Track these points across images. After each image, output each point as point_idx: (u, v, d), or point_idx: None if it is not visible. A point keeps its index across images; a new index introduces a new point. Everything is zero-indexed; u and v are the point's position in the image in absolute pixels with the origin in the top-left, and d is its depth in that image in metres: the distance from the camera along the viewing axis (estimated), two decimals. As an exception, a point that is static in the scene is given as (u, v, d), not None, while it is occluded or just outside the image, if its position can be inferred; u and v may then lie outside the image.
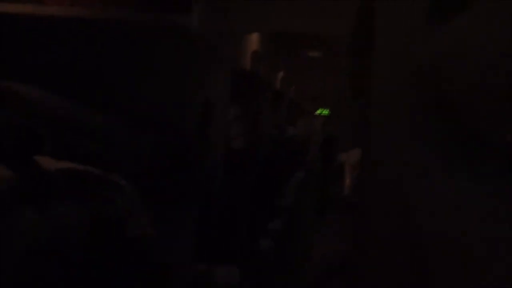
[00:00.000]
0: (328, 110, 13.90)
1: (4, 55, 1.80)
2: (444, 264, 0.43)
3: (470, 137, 0.42)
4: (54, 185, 0.95)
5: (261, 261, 3.52)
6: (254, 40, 6.83)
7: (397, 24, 0.50)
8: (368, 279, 0.54)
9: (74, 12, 1.98)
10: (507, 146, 0.40)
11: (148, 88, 1.94)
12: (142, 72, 1.95)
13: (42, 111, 1.26)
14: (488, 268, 0.41)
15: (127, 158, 1.49)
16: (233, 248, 2.96)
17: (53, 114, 1.29)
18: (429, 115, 0.45)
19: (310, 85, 11.90)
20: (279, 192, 5.13)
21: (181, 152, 1.90)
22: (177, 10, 2.10)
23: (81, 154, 1.21)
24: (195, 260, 2.25)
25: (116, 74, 1.93)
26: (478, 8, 0.40)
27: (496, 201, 0.41)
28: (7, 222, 0.82)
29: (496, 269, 0.41)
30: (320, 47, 8.96)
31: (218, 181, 2.72)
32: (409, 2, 0.48)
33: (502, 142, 0.40)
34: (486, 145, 0.41)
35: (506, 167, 0.40)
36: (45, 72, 1.83)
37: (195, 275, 2.28)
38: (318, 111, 14.26)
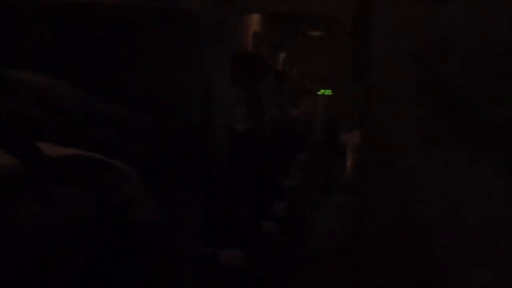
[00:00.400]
0: (330, 91, 13.85)
1: (4, 43, 1.80)
2: (443, 242, 0.43)
3: (466, 115, 0.42)
4: (58, 172, 0.95)
5: (264, 243, 3.55)
6: (255, 21, 6.77)
7: (397, 4, 0.49)
8: (369, 258, 0.55)
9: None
10: (501, 122, 0.40)
11: (150, 72, 1.93)
12: (143, 56, 1.95)
13: (46, 97, 1.26)
14: (486, 246, 0.42)
15: (130, 143, 1.49)
16: (237, 230, 2.98)
17: (57, 101, 1.29)
18: (428, 95, 0.45)
19: (312, 65, 11.83)
20: (283, 173, 5.13)
21: (184, 135, 1.90)
22: (177, -8, 2.08)
23: (85, 141, 1.21)
24: (200, 243, 2.26)
25: (117, 59, 1.92)
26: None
27: (492, 179, 0.41)
28: (11, 209, 0.83)
29: (493, 247, 0.42)
30: (321, 27, 8.89)
31: (222, 164, 2.73)
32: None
33: (497, 118, 0.40)
34: (482, 122, 0.41)
35: (500, 143, 0.40)
36: (45, 59, 1.82)
37: (200, 258, 2.30)
38: (321, 92, 14.21)
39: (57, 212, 0.88)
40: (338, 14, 4.10)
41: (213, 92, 2.37)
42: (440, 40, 0.43)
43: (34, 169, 0.91)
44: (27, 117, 1.14)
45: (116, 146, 1.36)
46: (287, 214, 4.57)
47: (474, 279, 0.41)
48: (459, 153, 0.43)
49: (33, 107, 1.19)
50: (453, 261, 0.42)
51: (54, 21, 1.88)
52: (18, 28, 1.83)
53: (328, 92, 14.00)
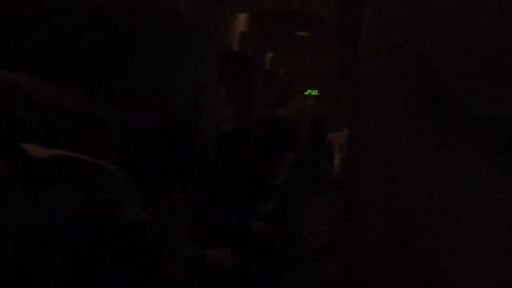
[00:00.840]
0: (317, 91, 13.91)
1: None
2: (432, 236, 0.43)
3: (456, 111, 0.42)
4: (44, 173, 0.94)
5: (253, 242, 3.55)
6: (242, 21, 6.77)
7: (383, 2, 0.49)
8: (356, 256, 0.55)
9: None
10: (493, 118, 0.40)
11: (136, 71, 1.92)
12: (129, 55, 1.94)
13: (30, 97, 1.25)
14: (475, 237, 0.42)
15: (117, 143, 1.48)
16: (226, 231, 2.98)
17: (42, 101, 1.28)
18: (416, 92, 0.46)
19: (299, 65, 11.86)
20: (271, 172, 5.14)
21: (172, 135, 1.89)
22: (163, -8, 2.07)
23: (71, 141, 1.20)
24: (188, 244, 2.26)
25: (102, 59, 1.91)
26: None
27: (483, 176, 0.42)
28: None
29: (482, 239, 0.42)
30: (308, 27, 8.92)
31: (209, 164, 2.72)
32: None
33: (488, 113, 0.40)
34: (473, 117, 0.41)
35: (492, 139, 0.40)
36: (30, 58, 1.81)
37: (188, 258, 2.29)
38: (307, 92, 14.26)
39: (43, 213, 0.87)
40: (325, 14, 4.12)
41: (201, 92, 2.36)
42: (428, 32, 0.43)
43: (18, 170, 0.90)
44: (11, 118, 1.13)
45: (103, 146, 1.35)
46: (275, 214, 4.57)
47: (464, 277, 0.41)
48: (448, 150, 0.43)
49: (17, 107, 1.17)
50: (441, 259, 0.43)
51: (36, 21, 1.86)
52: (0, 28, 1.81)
53: (314, 92, 14.06)
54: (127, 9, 1.95)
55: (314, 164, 7.36)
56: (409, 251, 0.45)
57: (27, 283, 0.81)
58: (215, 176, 2.88)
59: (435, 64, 0.42)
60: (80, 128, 1.34)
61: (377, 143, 0.51)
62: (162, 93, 1.93)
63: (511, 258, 0.40)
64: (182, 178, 2.02)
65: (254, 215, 3.95)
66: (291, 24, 8.76)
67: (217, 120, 3.28)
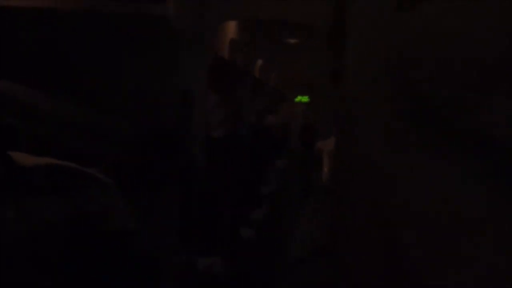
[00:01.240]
0: (307, 98, 13.95)
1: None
2: (420, 241, 0.44)
3: (439, 122, 0.43)
4: (32, 181, 0.94)
5: (243, 250, 3.55)
6: (231, 29, 6.79)
7: (370, 10, 0.50)
8: (345, 261, 0.55)
9: (51, 3, 1.95)
10: (476, 129, 0.41)
11: (126, 78, 1.92)
12: (119, 62, 1.94)
13: (19, 105, 1.24)
14: (459, 244, 0.43)
15: (106, 151, 1.48)
16: (216, 238, 2.97)
17: (31, 108, 1.28)
18: (401, 102, 0.46)
19: (289, 72, 11.90)
20: (261, 180, 5.14)
21: (162, 142, 1.89)
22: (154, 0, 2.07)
23: (60, 149, 1.20)
24: (179, 251, 2.25)
25: (93, 65, 1.91)
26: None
27: (466, 183, 0.42)
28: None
29: (465, 246, 0.43)
30: (298, 34, 8.96)
31: (200, 171, 2.72)
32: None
33: (472, 125, 0.41)
34: (456, 129, 0.42)
35: (475, 149, 0.41)
36: (16, 65, 1.80)
37: (179, 265, 2.28)
38: (298, 99, 14.30)
39: (32, 221, 0.87)
40: (314, 22, 4.15)
41: (191, 99, 2.37)
42: (409, 47, 0.44)
43: (6, 179, 0.90)
44: None
45: (91, 153, 1.35)
46: (266, 221, 4.57)
47: (448, 279, 0.42)
48: (433, 158, 0.44)
49: (5, 115, 1.17)
50: (428, 263, 0.43)
51: (27, 27, 1.86)
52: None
53: (305, 99, 14.09)
54: (117, 16, 1.95)
55: (304, 171, 7.38)
56: (395, 255, 0.46)
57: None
58: (206, 183, 2.87)
59: (415, 76, 0.43)
60: (69, 135, 1.33)
61: (364, 150, 0.51)
62: (151, 100, 1.93)
63: (497, 259, 0.41)
64: (172, 185, 2.02)
65: (244, 222, 3.95)
66: (281, 31, 8.79)
67: (208, 127, 3.28)
